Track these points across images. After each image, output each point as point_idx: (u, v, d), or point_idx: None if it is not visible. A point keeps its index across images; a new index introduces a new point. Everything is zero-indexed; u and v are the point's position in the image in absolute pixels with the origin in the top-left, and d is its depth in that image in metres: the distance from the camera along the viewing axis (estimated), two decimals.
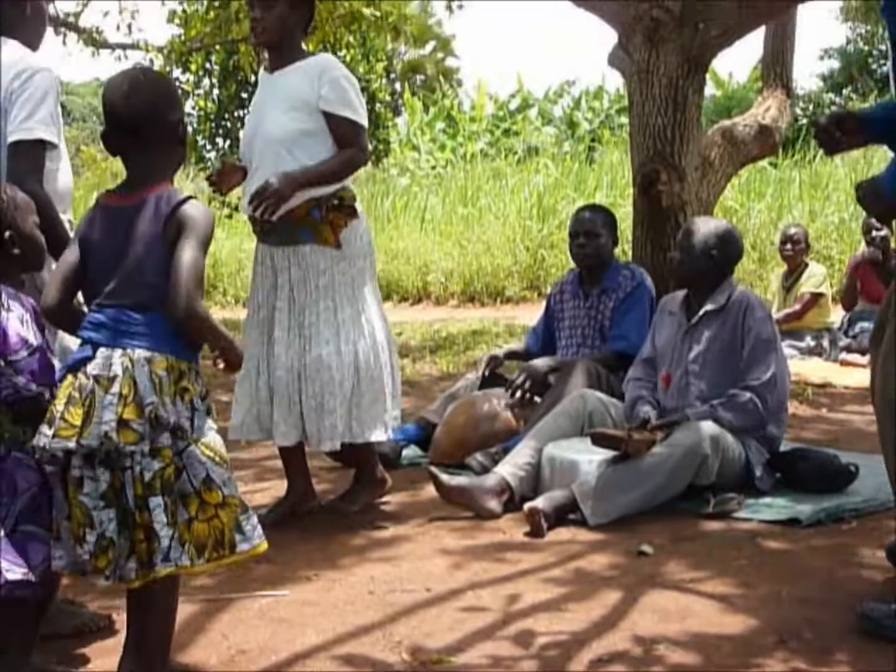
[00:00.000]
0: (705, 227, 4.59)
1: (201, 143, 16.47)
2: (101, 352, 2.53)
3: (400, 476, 4.71)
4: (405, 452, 5.17)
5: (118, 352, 2.51)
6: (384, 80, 20.16)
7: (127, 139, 2.68)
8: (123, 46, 12.61)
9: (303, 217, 3.99)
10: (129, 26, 12.67)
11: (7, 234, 2.71)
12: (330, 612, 3.27)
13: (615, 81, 22.89)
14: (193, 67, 15.44)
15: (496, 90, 24.81)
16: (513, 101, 24.04)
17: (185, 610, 2.91)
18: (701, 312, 4.48)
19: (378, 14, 11.13)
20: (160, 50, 12.32)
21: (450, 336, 9.34)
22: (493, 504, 4.19)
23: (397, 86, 26.52)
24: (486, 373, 5.31)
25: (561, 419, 4.48)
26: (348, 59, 15.37)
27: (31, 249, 2.78)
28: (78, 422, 2.46)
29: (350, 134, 4.03)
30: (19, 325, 2.64)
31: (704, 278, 4.51)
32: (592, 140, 20.65)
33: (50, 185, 3.12)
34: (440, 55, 33.45)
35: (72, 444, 2.45)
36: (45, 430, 2.50)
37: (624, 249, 8.89)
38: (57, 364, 2.76)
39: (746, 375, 4.33)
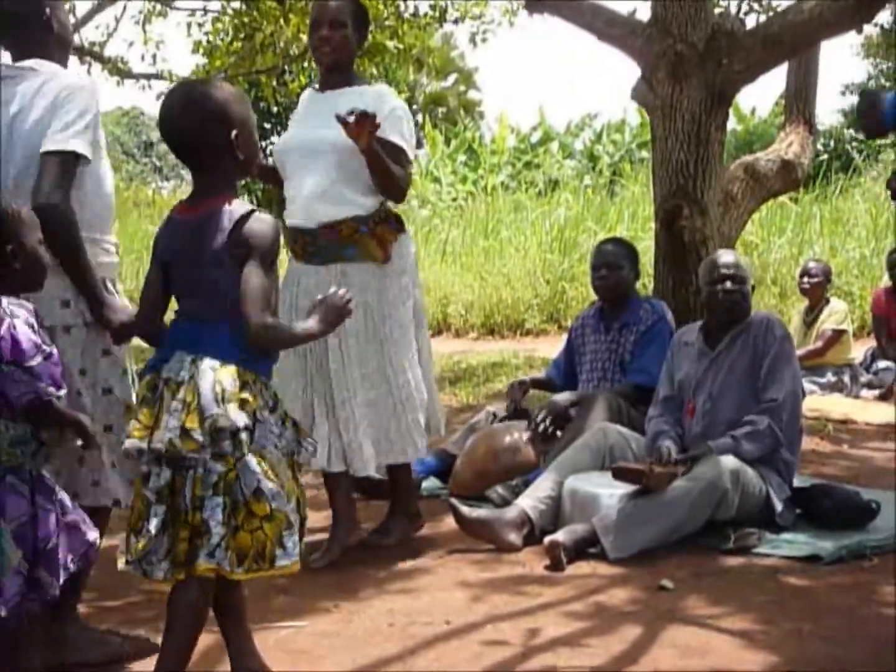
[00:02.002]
0: (737, 259, 4.66)
1: None
2: (176, 355, 2.62)
3: (420, 508, 4.70)
4: (425, 484, 5.17)
5: (189, 357, 2.59)
6: None
7: (183, 154, 2.75)
8: (148, 76, 12.74)
9: (350, 235, 4.01)
10: (154, 56, 12.82)
11: (9, 247, 2.68)
12: (349, 644, 3.26)
13: (636, 115, 22.92)
14: None
15: (518, 123, 24.95)
16: (534, 134, 24.08)
17: (204, 640, 2.90)
18: (725, 340, 4.50)
19: (401, 46, 11.21)
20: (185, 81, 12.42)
21: (470, 368, 9.33)
22: (514, 537, 4.18)
23: (419, 118, 26.64)
24: (519, 399, 5.30)
25: (582, 452, 4.47)
26: None
27: (31, 266, 2.74)
28: (149, 423, 2.56)
29: (396, 159, 4.02)
30: (29, 330, 2.64)
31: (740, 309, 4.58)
32: (613, 173, 20.66)
33: (86, 204, 3.12)
34: (462, 87, 33.59)
35: (143, 445, 2.56)
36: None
37: (644, 283, 8.90)
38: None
39: (764, 394, 4.35)
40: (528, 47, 79.77)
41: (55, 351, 2.70)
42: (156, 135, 32.59)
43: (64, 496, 2.76)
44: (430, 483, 5.21)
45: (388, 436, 4.08)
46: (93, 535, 2.81)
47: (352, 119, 3.81)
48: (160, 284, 2.79)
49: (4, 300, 2.66)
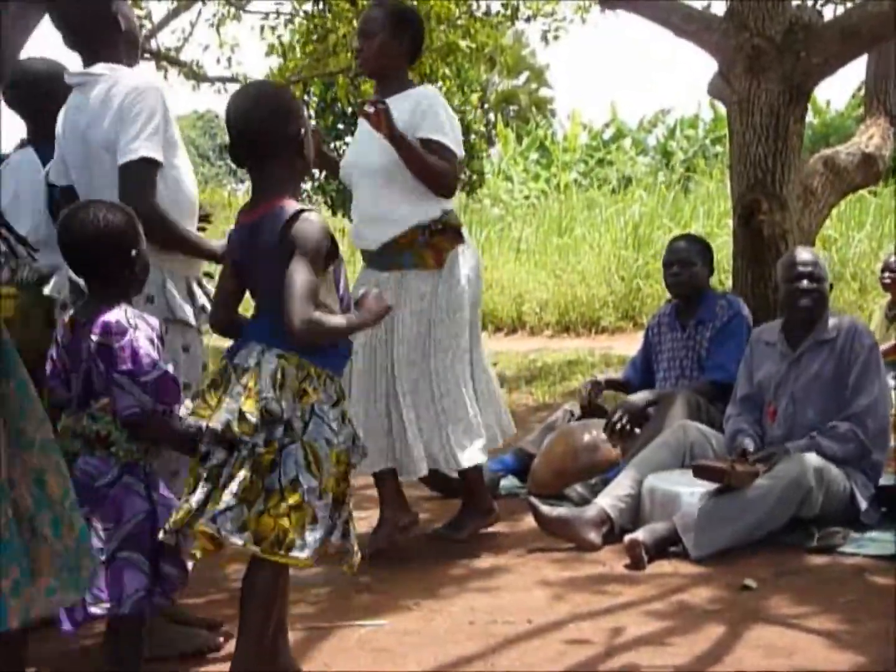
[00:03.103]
0: (814, 257, 4.57)
1: None
2: (249, 344, 2.69)
3: (498, 506, 4.70)
4: (503, 483, 5.17)
5: (259, 347, 2.66)
6: (478, 111, 20.29)
7: (246, 153, 2.79)
8: (223, 80, 12.86)
9: (408, 244, 4.04)
10: (229, 60, 12.95)
11: (133, 252, 2.77)
12: (430, 642, 3.27)
13: (710, 110, 22.69)
14: None
15: (590, 120, 24.82)
16: (607, 131, 23.95)
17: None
18: (809, 342, 4.42)
19: (474, 45, 11.20)
20: None
21: (545, 366, 9.31)
22: (593, 535, 4.16)
23: (491, 116, 26.62)
24: (592, 396, 5.27)
25: (662, 450, 4.44)
26: (444, 90, 15.51)
27: (143, 271, 2.84)
28: (214, 404, 2.64)
29: (440, 157, 4.02)
30: (149, 344, 2.70)
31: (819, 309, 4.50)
32: (687, 169, 20.49)
33: (167, 203, 3.18)
34: (534, 85, 33.51)
35: (202, 423, 2.64)
36: (188, 403, 2.71)
37: (721, 280, 8.80)
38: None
39: (851, 402, 4.29)
40: (600, 44, 79.39)
41: (170, 368, 2.76)
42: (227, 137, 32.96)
43: (166, 490, 2.85)
44: (509, 482, 5.21)
45: (434, 443, 4.06)
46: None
47: (371, 110, 3.86)
48: (232, 284, 2.88)
49: (131, 311, 2.73)
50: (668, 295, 5.49)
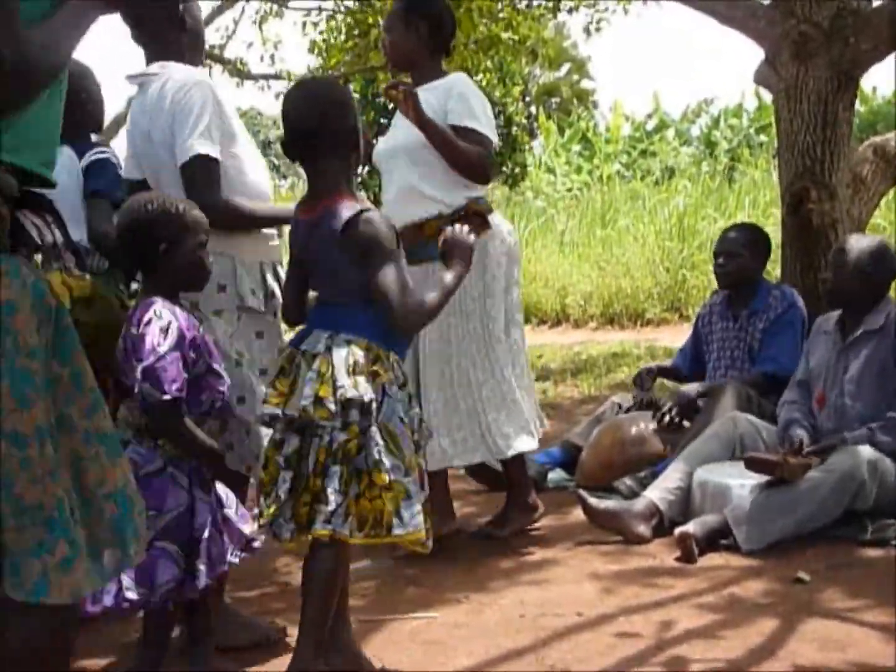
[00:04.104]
0: (858, 245, 4.45)
1: None
2: (315, 332, 2.74)
3: (546, 499, 4.67)
4: (550, 475, 5.15)
5: (326, 333, 2.70)
6: (520, 104, 20.24)
7: (302, 147, 2.81)
8: (266, 77, 12.93)
9: (433, 234, 3.95)
10: (272, 57, 13.01)
11: (162, 246, 2.77)
12: (481, 634, 3.27)
13: (754, 99, 22.48)
14: None
15: (632, 111, 24.67)
16: (649, 122, 23.81)
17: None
18: (858, 332, 4.36)
19: (516, 38, 11.16)
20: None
21: (590, 359, 9.26)
22: (643, 528, 4.13)
23: (532, 109, 26.55)
24: (649, 387, 5.23)
25: (711, 442, 4.40)
26: (485, 83, 15.46)
27: (188, 268, 2.84)
28: (284, 391, 2.69)
29: (474, 143, 3.99)
30: (159, 333, 2.71)
31: (859, 298, 4.39)
32: (732, 159, 20.31)
33: (234, 193, 3.22)
34: (575, 77, 33.42)
35: (277, 411, 2.68)
36: (261, 390, 2.83)
37: (768, 269, 8.70)
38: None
39: None
40: (641, 34, 78.88)
41: (173, 354, 2.71)
42: (273, 134, 33.12)
43: (221, 489, 2.87)
44: (556, 474, 5.19)
45: (467, 434, 4.01)
46: (247, 528, 2.89)
47: (397, 93, 3.85)
48: (298, 278, 2.93)
49: (161, 304, 2.74)
50: (715, 285, 5.44)
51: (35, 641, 1.87)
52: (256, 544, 2.93)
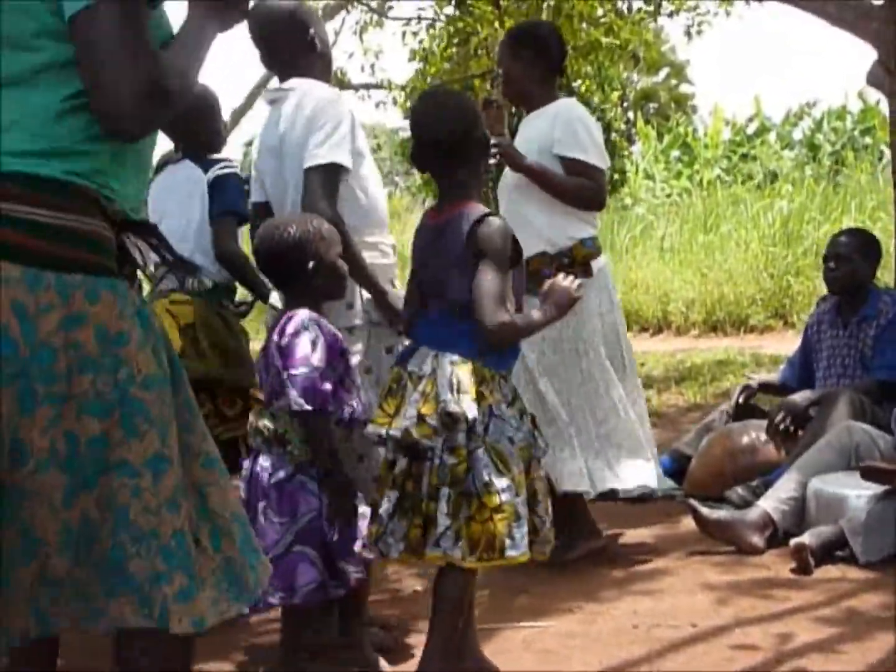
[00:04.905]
0: None
1: None
2: (420, 350, 2.76)
3: (655, 509, 4.65)
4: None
5: (431, 353, 2.72)
6: (618, 110, 20.12)
7: (433, 158, 2.86)
8: (367, 86, 13.04)
9: (535, 272, 3.85)
10: (372, 66, 13.11)
11: (311, 263, 2.87)
12: (594, 644, 3.25)
13: (858, 101, 22.03)
14: None
15: (732, 115, 24.28)
16: (750, 126, 23.48)
17: None
18: None
19: (617, 42, 11.10)
20: (403, 88, 12.66)
21: (694, 366, 9.16)
22: (756, 539, 4.07)
23: (630, 114, 26.36)
24: (741, 400, 5.17)
25: (826, 452, 4.32)
26: (583, 89, 15.41)
27: (332, 279, 2.95)
28: (391, 412, 2.72)
29: (582, 174, 3.98)
30: (309, 345, 2.79)
31: None
32: (836, 163, 19.94)
33: (354, 210, 3.23)
34: (674, 81, 33.07)
35: (381, 431, 2.71)
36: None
37: (878, 275, 8.52)
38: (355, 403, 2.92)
39: None
40: (740, 37, 77.82)
41: (324, 367, 2.80)
42: (371, 141, 33.39)
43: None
44: (664, 483, 5.13)
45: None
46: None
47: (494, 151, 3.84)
48: (419, 292, 2.94)
49: (309, 315, 2.84)
50: (821, 292, 5.34)
51: (155, 667, 1.86)
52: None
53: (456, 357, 2.70)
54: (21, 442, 1.70)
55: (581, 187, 3.98)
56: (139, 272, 1.95)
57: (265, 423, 2.85)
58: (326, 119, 3.18)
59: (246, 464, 2.93)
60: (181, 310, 3.70)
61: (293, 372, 2.75)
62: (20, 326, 1.68)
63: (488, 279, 2.69)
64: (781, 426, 4.68)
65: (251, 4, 2.10)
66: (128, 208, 1.87)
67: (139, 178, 1.93)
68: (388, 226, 3.43)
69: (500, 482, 2.66)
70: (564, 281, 2.86)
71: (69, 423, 1.72)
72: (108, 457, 1.75)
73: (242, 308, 3.91)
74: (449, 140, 2.81)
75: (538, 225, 3.97)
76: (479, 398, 2.69)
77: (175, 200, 3.88)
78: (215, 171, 3.81)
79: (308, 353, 2.77)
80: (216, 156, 3.97)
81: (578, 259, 4.00)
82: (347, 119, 3.21)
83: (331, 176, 3.14)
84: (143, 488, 1.77)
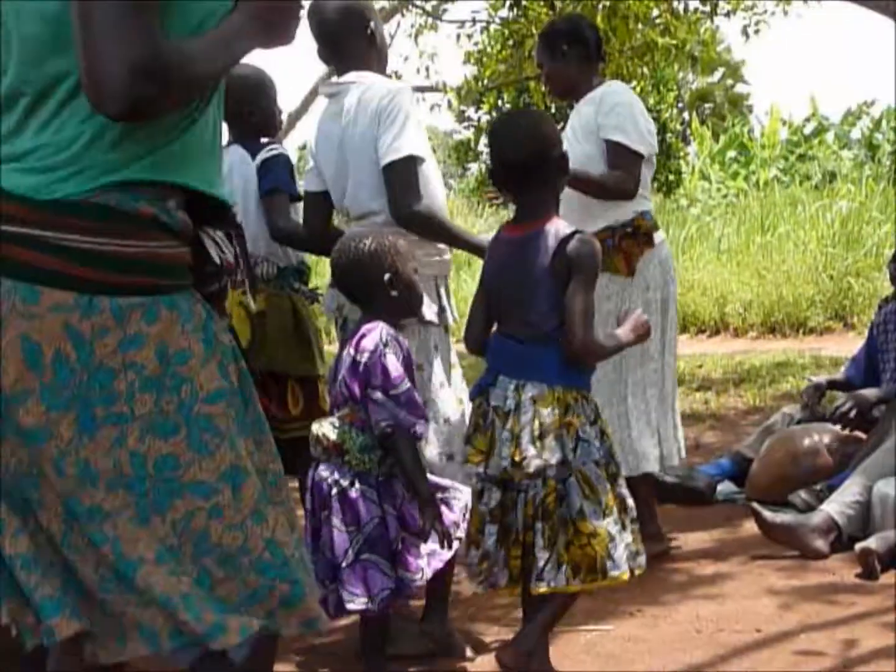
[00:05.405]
0: None
1: None
2: (500, 380, 2.77)
3: (715, 512, 4.60)
4: (720, 488, 5.03)
5: (512, 384, 2.73)
6: (674, 110, 19.99)
7: (513, 179, 2.88)
8: (422, 89, 13.04)
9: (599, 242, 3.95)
10: (427, 69, 13.12)
11: (386, 276, 2.88)
12: (657, 649, 3.22)
13: None
14: (486, 106, 15.78)
15: (789, 115, 24.05)
16: (807, 126, 23.24)
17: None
18: None
19: (673, 43, 11.01)
20: (457, 91, 12.65)
21: (753, 368, 9.05)
22: (820, 543, 4.02)
23: (685, 115, 26.18)
24: (812, 402, 5.10)
25: (892, 455, 4.24)
26: (639, 90, 15.32)
27: (408, 293, 2.95)
28: (484, 449, 2.77)
29: (617, 158, 3.96)
30: (397, 361, 2.80)
31: None
32: (895, 162, 19.67)
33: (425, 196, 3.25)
34: (729, 82, 32.79)
35: (479, 470, 2.78)
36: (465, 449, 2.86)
37: None
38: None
39: None
40: (796, 36, 77.03)
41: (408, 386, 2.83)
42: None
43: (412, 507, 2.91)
44: (726, 487, 5.07)
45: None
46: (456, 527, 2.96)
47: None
48: (487, 304, 2.94)
49: (386, 331, 2.84)
50: (881, 293, 5.27)
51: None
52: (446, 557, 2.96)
53: (536, 391, 2.73)
54: (88, 463, 1.69)
55: (611, 182, 3.95)
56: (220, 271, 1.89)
57: (325, 432, 2.85)
58: (397, 111, 3.19)
59: (309, 473, 2.94)
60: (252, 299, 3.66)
61: (394, 392, 2.76)
62: (76, 352, 1.67)
63: (581, 298, 2.71)
64: (846, 420, 4.59)
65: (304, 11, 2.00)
66: (203, 188, 1.82)
67: (203, 160, 1.84)
68: None
69: (591, 508, 2.73)
70: (643, 316, 2.93)
71: (134, 443, 1.70)
72: (180, 478, 1.72)
73: (312, 294, 3.86)
74: (528, 161, 2.82)
75: (596, 207, 3.97)
76: (567, 426, 2.73)
77: (227, 189, 3.86)
78: (263, 154, 3.77)
79: (401, 371, 2.78)
80: (264, 140, 3.94)
81: (643, 228, 4.01)
82: (414, 111, 3.24)
83: (410, 169, 3.17)
84: (222, 505, 1.73)
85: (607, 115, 3.98)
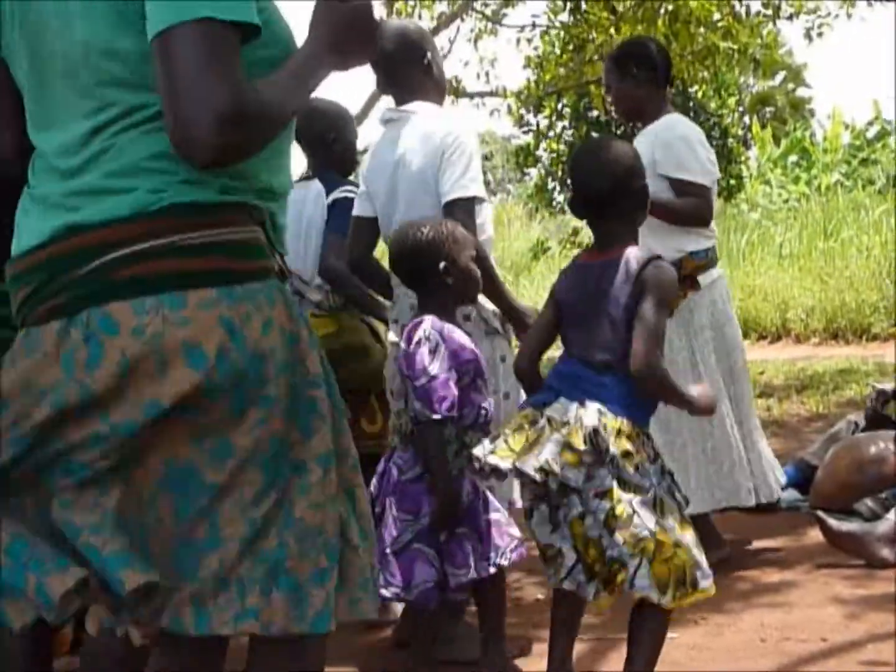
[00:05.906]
0: None
1: (552, 185, 16.72)
2: (561, 400, 2.67)
3: (779, 520, 4.57)
4: (783, 495, 4.97)
5: (575, 404, 2.63)
6: (735, 115, 19.80)
7: (593, 208, 2.85)
8: (482, 94, 13.05)
9: None
10: (487, 74, 13.13)
11: (442, 264, 2.92)
12: (722, 657, 3.21)
13: None
14: (546, 111, 15.72)
15: (852, 119, 23.78)
16: (870, 129, 22.95)
17: (575, 649, 2.94)
18: None
19: (735, 46, 10.92)
20: (517, 95, 12.65)
21: (816, 375, 8.97)
22: (887, 552, 3.97)
23: (746, 119, 25.95)
24: (878, 407, 5.04)
25: None
26: (700, 94, 15.22)
27: (465, 281, 2.99)
28: (517, 448, 2.61)
29: (684, 190, 3.97)
30: (427, 353, 2.84)
31: None
32: None
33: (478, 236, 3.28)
34: (790, 85, 32.47)
35: (504, 465, 2.58)
36: (486, 443, 2.67)
37: None
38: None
39: None
40: (859, 39, 76.15)
41: (443, 375, 2.83)
42: (483, 149, 33.46)
43: (486, 494, 2.97)
44: (789, 494, 5.03)
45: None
46: (515, 530, 3.00)
47: None
48: (551, 325, 2.88)
49: (434, 323, 2.88)
50: None
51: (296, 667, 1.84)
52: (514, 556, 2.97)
53: (604, 408, 2.63)
54: (228, 442, 1.71)
55: (691, 207, 3.98)
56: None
57: (402, 422, 2.94)
58: (462, 151, 3.24)
59: (381, 460, 2.98)
60: (320, 322, 3.69)
61: (415, 384, 2.83)
62: (232, 342, 1.69)
63: (649, 317, 2.64)
64: None
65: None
66: (272, 188, 1.85)
67: (270, 162, 1.84)
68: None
69: (669, 521, 2.63)
70: (713, 392, 2.92)
71: (274, 424, 1.73)
72: (291, 458, 1.76)
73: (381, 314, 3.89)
74: (609, 194, 2.79)
75: (647, 239, 3.92)
76: (626, 455, 2.60)
77: (296, 220, 3.88)
78: (336, 194, 3.81)
79: (426, 364, 2.81)
80: (341, 178, 3.97)
81: (686, 271, 3.94)
82: (477, 152, 3.29)
83: (472, 208, 3.23)
84: (312, 483, 1.76)
85: (662, 151, 3.97)
